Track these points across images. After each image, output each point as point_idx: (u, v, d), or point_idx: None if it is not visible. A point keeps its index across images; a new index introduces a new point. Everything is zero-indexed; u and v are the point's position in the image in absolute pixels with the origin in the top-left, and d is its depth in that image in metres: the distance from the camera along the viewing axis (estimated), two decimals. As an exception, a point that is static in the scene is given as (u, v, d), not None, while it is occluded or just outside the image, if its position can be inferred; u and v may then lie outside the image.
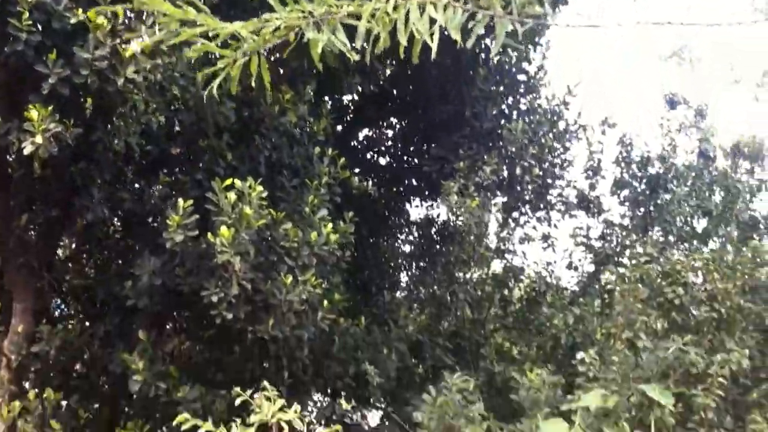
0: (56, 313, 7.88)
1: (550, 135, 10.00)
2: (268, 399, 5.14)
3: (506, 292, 11.49)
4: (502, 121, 10.22)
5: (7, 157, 6.37)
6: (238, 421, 5.10)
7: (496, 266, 11.53)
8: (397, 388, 9.33)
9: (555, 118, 10.33)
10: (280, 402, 5.12)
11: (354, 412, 10.18)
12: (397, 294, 12.19)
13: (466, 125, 10.07)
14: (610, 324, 7.85)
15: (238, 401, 5.10)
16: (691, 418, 7.15)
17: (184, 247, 6.03)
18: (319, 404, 9.31)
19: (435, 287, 11.25)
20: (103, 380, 7.08)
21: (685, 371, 7.34)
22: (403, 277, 12.30)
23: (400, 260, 12.16)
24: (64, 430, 6.39)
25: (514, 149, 9.74)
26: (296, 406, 5.13)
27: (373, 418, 10.77)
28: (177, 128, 6.97)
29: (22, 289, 6.73)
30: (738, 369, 7.17)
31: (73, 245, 7.96)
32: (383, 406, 10.31)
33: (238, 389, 5.17)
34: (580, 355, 7.04)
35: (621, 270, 8.54)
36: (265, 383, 5.22)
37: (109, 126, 6.24)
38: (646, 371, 6.13)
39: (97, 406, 7.26)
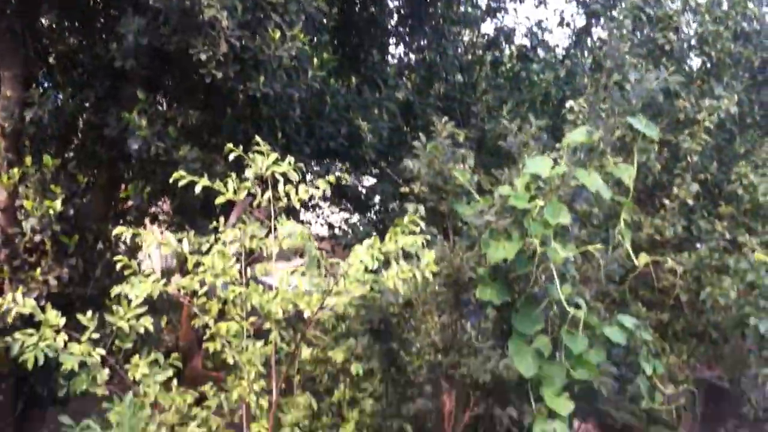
0: (45, 85, 7.79)
1: None
2: (262, 153, 5.22)
3: (497, 53, 11.41)
4: None
5: None
6: (234, 175, 5.21)
7: (488, 29, 11.35)
8: (389, 148, 9.51)
9: None
10: (274, 155, 5.20)
11: (349, 174, 10.44)
12: (388, 59, 12.04)
13: None
14: (599, 75, 7.84)
15: (231, 156, 5.17)
16: (677, 165, 7.36)
17: (168, 3, 5.85)
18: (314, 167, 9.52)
19: (425, 51, 11.12)
20: (99, 147, 7.13)
21: (672, 118, 7.46)
22: (393, 41, 12.11)
23: (388, 24, 11.89)
24: (64, 194, 6.54)
25: None
26: (290, 158, 5.22)
27: (368, 183, 11.05)
28: None
29: (8, 56, 6.62)
30: (726, 115, 7.28)
31: (55, 17, 7.71)
32: (377, 171, 10.56)
33: (230, 145, 5.23)
34: (569, 104, 7.12)
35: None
36: (258, 139, 5.28)
37: None
38: (633, 106, 6.19)
39: (95, 171, 7.38)
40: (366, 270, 4.74)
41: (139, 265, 5.25)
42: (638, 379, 5.72)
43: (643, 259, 6.16)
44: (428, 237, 4.81)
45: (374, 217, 10.51)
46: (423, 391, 5.92)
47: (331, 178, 5.36)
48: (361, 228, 9.42)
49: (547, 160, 5.12)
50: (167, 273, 7.42)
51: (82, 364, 4.45)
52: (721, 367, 7.49)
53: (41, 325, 4.36)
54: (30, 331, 4.31)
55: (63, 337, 4.34)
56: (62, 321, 4.40)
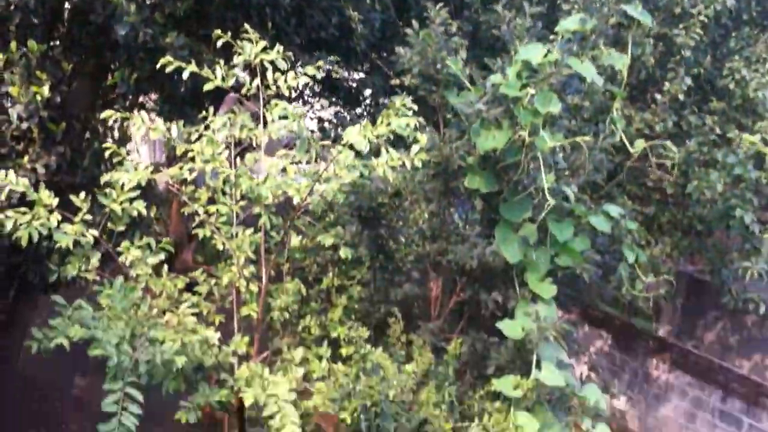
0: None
1: None
2: (250, 41, 5.15)
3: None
4: None
5: None
6: (222, 62, 5.15)
7: None
8: (381, 41, 9.37)
9: None
10: (263, 43, 5.14)
11: (340, 67, 10.30)
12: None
13: None
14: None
15: (219, 43, 5.11)
16: (671, 59, 7.31)
17: None
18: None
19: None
20: (85, 34, 6.98)
21: (669, 13, 7.37)
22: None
23: None
24: (50, 81, 6.45)
25: None
26: (279, 47, 5.16)
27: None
28: None
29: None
30: (722, 8, 7.19)
31: None
32: (368, 65, 10.42)
33: (218, 31, 5.15)
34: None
35: None
36: (247, 26, 5.20)
37: None
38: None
39: (82, 58, 7.25)
40: (356, 155, 4.76)
41: (128, 153, 5.25)
42: (620, 267, 5.84)
43: (639, 144, 6.18)
44: (420, 120, 4.80)
45: (364, 112, 10.44)
46: (410, 278, 6.05)
47: (321, 63, 5.33)
48: (351, 122, 9.38)
49: (539, 47, 5.09)
50: (156, 166, 7.39)
51: (75, 244, 4.49)
52: (703, 260, 7.63)
53: (34, 205, 4.38)
54: (23, 209, 4.33)
55: (56, 216, 4.37)
56: (55, 201, 4.42)
